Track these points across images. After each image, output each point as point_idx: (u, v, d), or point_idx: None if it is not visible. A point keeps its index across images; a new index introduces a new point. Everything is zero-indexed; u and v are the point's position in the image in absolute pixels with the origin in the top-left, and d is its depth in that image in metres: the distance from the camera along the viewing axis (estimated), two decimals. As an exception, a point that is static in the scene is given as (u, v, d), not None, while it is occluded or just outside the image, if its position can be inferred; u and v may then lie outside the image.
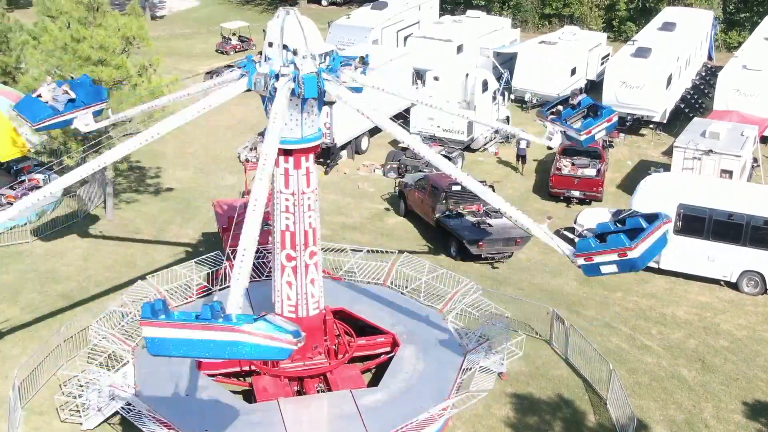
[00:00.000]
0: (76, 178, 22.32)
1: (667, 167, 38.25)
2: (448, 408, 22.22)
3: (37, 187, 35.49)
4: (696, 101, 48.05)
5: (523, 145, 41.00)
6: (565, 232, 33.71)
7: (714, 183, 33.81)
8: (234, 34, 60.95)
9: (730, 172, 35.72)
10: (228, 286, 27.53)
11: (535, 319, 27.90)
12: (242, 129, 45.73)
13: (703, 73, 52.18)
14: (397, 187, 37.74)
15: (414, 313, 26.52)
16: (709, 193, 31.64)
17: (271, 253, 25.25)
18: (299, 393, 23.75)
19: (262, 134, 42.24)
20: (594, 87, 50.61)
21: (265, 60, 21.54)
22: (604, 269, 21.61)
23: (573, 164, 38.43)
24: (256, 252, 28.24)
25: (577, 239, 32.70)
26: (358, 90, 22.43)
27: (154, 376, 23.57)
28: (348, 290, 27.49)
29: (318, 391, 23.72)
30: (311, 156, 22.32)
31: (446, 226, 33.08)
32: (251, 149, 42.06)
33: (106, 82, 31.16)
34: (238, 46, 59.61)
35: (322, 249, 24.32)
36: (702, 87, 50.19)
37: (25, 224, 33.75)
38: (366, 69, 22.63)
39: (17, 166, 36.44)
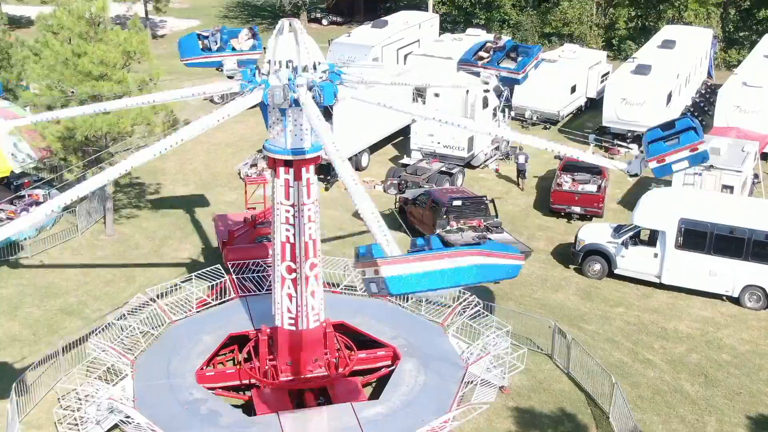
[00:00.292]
0: (104, 181, 21.66)
1: (667, 183, 38.15)
2: (449, 421, 22.06)
3: (38, 203, 35.60)
4: (696, 118, 47.99)
5: (522, 160, 41.07)
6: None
7: (715, 197, 33.78)
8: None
9: (731, 188, 35.68)
10: (228, 300, 27.55)
11: (537, 334, 27.76)
12: (243, 146, 45.71)
13: (703, 91, 52.28)
14: (397, 203, 37.68)
15: (415, 326, 26.41)
16: (710, 207, 31.58)
17: (271, 266, 25.20)
18: (299, 406, 23.58)
19: (261, 151, 42.25)
20: (594, 105, 50.76)
21: (273, 72, 21.37)
22: (675, 167, 22.39)
23: (574, 180, 38.39)
24: (257, 266, 28.41)
25: (575, 251, 32.76)
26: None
27: (153, 389, 23.44)
28: (348, 304, 27.37)
29: (318, 404, 23.56)
30: (312, 167, 22.25)
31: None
32: (251, 166, 42.10)
33: (106, 97, 31.16)
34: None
35: (322, 263, 24.23)
36: (702, 104, 50.26)
37: (25, 239, 33.66)
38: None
39: (18, 181, 36.40)
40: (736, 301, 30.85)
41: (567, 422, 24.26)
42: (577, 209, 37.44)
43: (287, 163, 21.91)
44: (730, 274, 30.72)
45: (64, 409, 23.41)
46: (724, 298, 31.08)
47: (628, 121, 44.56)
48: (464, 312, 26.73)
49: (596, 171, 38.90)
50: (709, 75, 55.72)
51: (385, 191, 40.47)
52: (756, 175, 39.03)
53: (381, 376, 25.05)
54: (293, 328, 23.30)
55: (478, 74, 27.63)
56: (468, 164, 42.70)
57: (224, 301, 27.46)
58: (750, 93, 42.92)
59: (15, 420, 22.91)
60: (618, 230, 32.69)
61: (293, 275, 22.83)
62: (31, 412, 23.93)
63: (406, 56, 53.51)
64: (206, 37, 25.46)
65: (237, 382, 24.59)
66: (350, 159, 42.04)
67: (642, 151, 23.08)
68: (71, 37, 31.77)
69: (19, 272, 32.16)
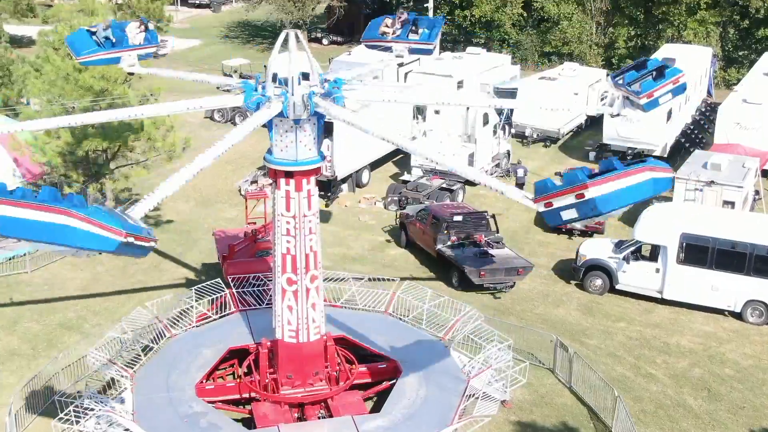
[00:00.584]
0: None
1: (668, 200, 38.12)
2: (450, 434, 21.91)
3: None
4: (696, 136, 48.13)
5: (521, 173, 41.28)
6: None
7: (717, 212, 33.74)
8: (235, 71, 61.19)
9: (732, 203, 35.64)
10: (228, 314, 27.43)
11: (538, 348, 27.62)
12: (243, 163, 45.69)
13: (703, 109, 52.35)
14: (398, 219, 37.63)
15: (416, 340, 26.24)
16: (712, 222, 31.52)
17: (271, 280, 25.09)
18: (300, 419, 23.41)
19: (262, 168, 42.28)
20: (594, 122, 50.82)
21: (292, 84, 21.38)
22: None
23: (574, 196, 38.23)
24: (257, 280, 28.30)
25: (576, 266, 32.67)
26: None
27: (153, 402, 23.27)
28: (349, 318, 27.24)
29: (319, 418, 23.40)
30: (312, 178, 22.20)
31: (448, 256, 32.90)
32: (252, 182, 42.10)
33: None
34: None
35: (323, 278, 24.12)
36: (702, 122, 50.33)
37: (24, 255, 33.56)
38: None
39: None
40: (738, 316, 30.71)
41: (569, 436, 24.13)
42: (578, 225, 37.30)
43: (288, 175, 21.85)
44: (732, 289, 30.60)
45: (63, 422, 23.21)
46: (726, 313, 30.95)
47: (628, 139, 44.59)
48: (465, 326, 26.57)
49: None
50: (709, 93, 55.82)
51: (385, 207, 40.45)
52: (757, 191, 39.03)
53: (382, 390, 24.88)
54: (294, 340, 23.16)
55: (389, 49, 27.57)
56: (468, 181, 42.64)
57: (224, 315, 27.32)
58: (750, 110, 42.98)
59: (13, 433, 22.77)
60: (619, 245, 32.61)
61: (294, 287, 22.70)
62: (29, 425, 23.77)
63: (406, 74, 53.59)
64: (95, 33, 24.37)
65: (237, 396, 24.41)
66: (350, 176, 42.11)
67: (621, 95, 22.44)
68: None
69: (19, 287, 32.04)
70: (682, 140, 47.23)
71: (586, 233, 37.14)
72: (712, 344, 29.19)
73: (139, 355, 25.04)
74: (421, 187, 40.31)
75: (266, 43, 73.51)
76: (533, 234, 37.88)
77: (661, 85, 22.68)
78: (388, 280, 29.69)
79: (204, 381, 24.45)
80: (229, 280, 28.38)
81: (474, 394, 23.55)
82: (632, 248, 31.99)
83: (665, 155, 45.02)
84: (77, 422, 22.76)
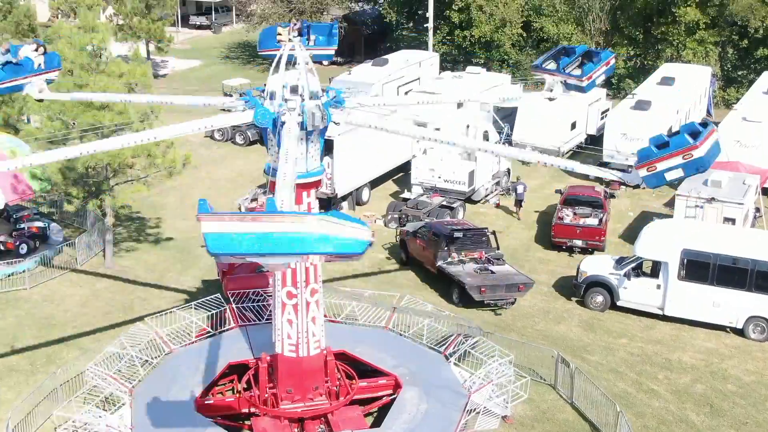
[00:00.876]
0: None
1: (668, 218, 38.07)
2: (451, 448, 21.75)
3: (37, 236, 35.52)
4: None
5: (520, 189, 41.38)
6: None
7: (718, 228, 33.68)
8: (236, 91, 61.34)
9: (733, 220, 35.57)
10: (228, 329, 27.31)
11: (540, 364, 27.47)
12: (243, 181, 45.69)
13: (703, 128, 52.32)
14: (398, 236, 37.56)
15: (416, 355, 26.16)
16: (713, 238, 31.43)
17: (271, 295, 25.01)
18: (300, 434, 23.29)
19: (262, 186, 42.25)
20: (594, 141, 50.79)
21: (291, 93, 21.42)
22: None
23: (575, 214, 38.29)
24: (257, 295, 28.21)
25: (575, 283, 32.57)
26: None
27: (152, 417, 23.11)
28: (349, 333, 27.13)
29: (319, 433, 23.27)
30: (312, 191, 22.17)
31: (448, 272, 32.81)
32: (252, 200, 42.03)
33: (108, 126, 31.21)
34: (240, 103, 59.79)
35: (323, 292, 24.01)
36: (702, 141, 50.26)
37: (24, 271, 33.50)
38: None
39: (17, 214, 36.29)
40: (740, 332, 30.57)
41: (571, 452, 23.94)
42: (579, 243, 37.28)
43: (288, 187, 21.77)
44: (734, 305, 30.48)
45: (61, 437, 23.12)
46: (728, 329, 30.81)
47: (629, 156, 44.49)
48: (466, 340, 26.45)
49: (597, 205, 38.86)
50: (708, 113, 55.83)
51: (385, 225, 40.37)
52: (757, 209, 38.97)
53: (382, 405, 24.73)
54: (294, 354, 23.04)
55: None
56: (468, 199, 42.64)
57: (224, 331, 27.20)
58: (750, 128, 43.01)
59: (11, 448, 22.61)
60: (620, 262, 32.52)
61: (294, 301, 22.61)
62: (27, 441, 23.65)
63: (406, 93, 53.69)
64: None
65: (236, 411, 24.24)
66: (350, 194, 42.08)
67: (559, 80, 22.91)
68: (73, 69, 31.85)
69: (18, 304, 31.93)
70: (682, 158, 47.14)
71: (587, 250, 37.06)
72: (714, 360, 29.05)
73: (138, 370, 24.90)
74: (421, 205, 40.26)
75: (266, 64, 73.58)
76: (533, 251, 37.80)
77: (598, 68, 24.89)
78: (389, 295, 29.59)
79: (203, 396, 24.29)
80: (229, 295, 28.28)
81: (475, 409, 23.44)
82: (633, 265, 31.90)
83: (665, 173, 44.96)
84: (75, 437, 22.70)
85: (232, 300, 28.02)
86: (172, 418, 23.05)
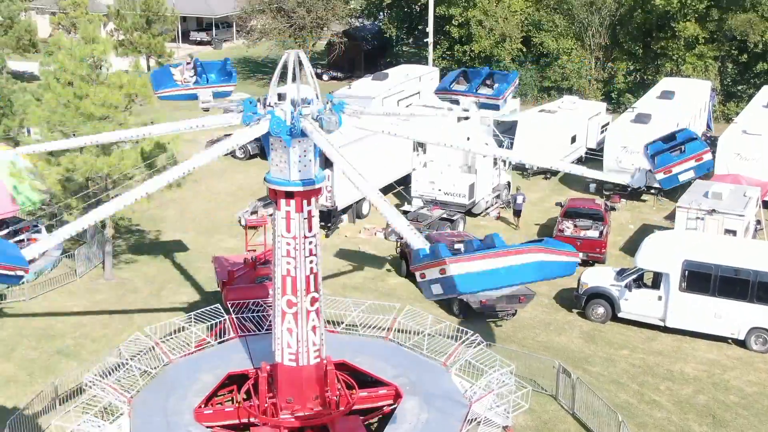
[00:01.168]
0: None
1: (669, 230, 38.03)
2: (452, 458, 21.56)
3: (36, 247, 35.31)
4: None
5: (519, 200, 41.42)
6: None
7: (719, 239, 33.57)
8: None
9: (734, 232, 35.48)
10: (227, 339, 27.14)
11: (541, 375, 27.37)
12: (242, 195, 45.63)
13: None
14: (398, 248, 37.47)
15: (417, 365, 25.97)
16: (714, 249, 31.34)
17: (270, 306, 24.87)
18: (300, 444, 23.10)
19: (262, 199, 42.21)
20: (594, 155, 50.82)
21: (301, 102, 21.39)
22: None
23: (576, 226, 38.22)
24: (256, 305, 28.08)
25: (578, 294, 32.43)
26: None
27: (150, 427, 22.93)
28: (349, 343, 26.98)
29: (319, 443, 23.08)
30: (313, 199, 22.08)
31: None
32: (252, 213, 41.95)
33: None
34: (240, 118, 59.81)
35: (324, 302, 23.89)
36: (702, 155, 50.22)
37: (23, 283, 33.33)
38: None
39: (16, 226, 36.23)
40: (741, 343, 30.44)
41: (573, 462, 23.77)
42: (580, 255, 37.07)
43: (288, 195, 21.73)
44: (736, 316, 30.36)
45: (59, 447, 22.94)
46: (730, 341, 30.68)
47: (629, 170, 44.43)
48: (466, 351, 26.30)
49: (598, 217, 38.80)
50: (708, 127, 55.83)
51: (386, 238, 40.30)
52: (758, 221, 38.91)
53: (383, 415, 24.56)
54: (293, 364, 22.89)
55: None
56: (469, 212, 42.57)
57: (223, 341, 27.04)
58: (750, 141, 43.01)
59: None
60: (621, 273, 32.41)
61: (294, 309, 22.47)
62: (25, 451, 23.49)
63: (406, 107, 53.66)
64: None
65: (236, 421, 24.06)
66: (350, 207, 42.02)
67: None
68: (73, 80, 31.85)
69: (16, 315, 31.80)
70: (683, 172, 47.11)
71: (588, 262, 36.95)
72: (716, 371, 28.90)
73: (137, 380, 24.75)
74: (421, 218, 40.19)
75: (266, 79, 73.73)
76: (534, 263, 37.62)
77: (509, 88, 26.21)
78: (389, 306, 29.45)
79: (202, 406, 24.11)
80: (229, 305, 28.15)
81: (476, 419, 23.24)
82: (634, 276, 31.80)
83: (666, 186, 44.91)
84: (73, 447, 22.51)
85: (231, 310, 27.87)
86: (171, 429, 22.85)
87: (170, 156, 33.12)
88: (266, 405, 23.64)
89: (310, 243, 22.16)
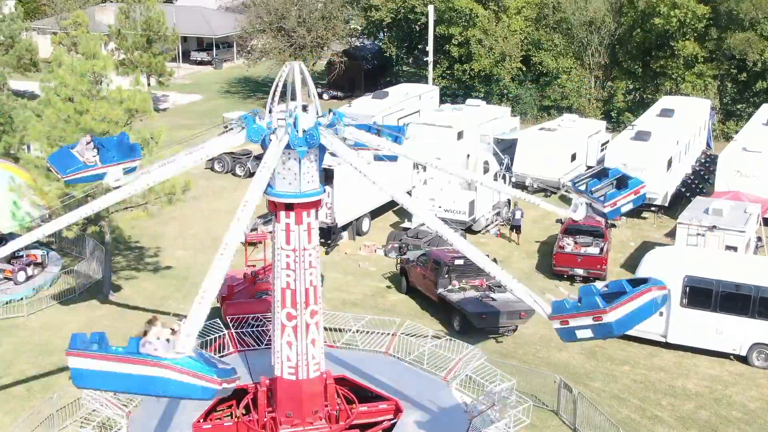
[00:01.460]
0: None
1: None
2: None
3: (35, 263, 35.35)
4: (696, 186, 48.08)
5: (518, 216, 41.51)
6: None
7: (720, 255, 33.49)
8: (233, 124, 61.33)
9: (735, 248, 35.38)
10: (227, 354, 27.02)
11: (542, 390, 27.21)
12: (243, 212, 45.48)
13: (703, 160, 52.42)
14: (398, 265, 37.38)
15: (417, 380, 25.87)
16: (715, 264, 31.25)
17: (270, 321, 24.77)
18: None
19: (262, 217, 42.14)
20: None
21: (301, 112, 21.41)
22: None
23: (576, 243, 38.15)
24: (256, 320, 27.97)
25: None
26: None
27: (149, 441, 22.82)
28: (350, 358, 26.86)
29: (318, 457, 22.91)
30: (313, 211, 22.04)
31: (449, 300, 32.60)
32: (252, 230, 41.85)
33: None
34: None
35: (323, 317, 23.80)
36: (702, 173, 50.32)
37: (22, 299, 33.29)
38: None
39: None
40: (743, 359, 30.28)
41: (575, 477, 23.59)
42: (580, 271, 37.11)
43: (288, 207, 21.70)
44: (737, 332, 30.22)
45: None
46: (732, 357, 30.52)
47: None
48: (467, 366, 26.18)
49: (598, 234, 38.74)
50: (708, 146, 55.87)
51: (386, 255, 40.21)
52: (759, 238, 38.84)
53: (383, 430, 24.40)
54: (293, 377, 22.76)
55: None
56: (469, 229, 42.51)
57: (223, 356, 26.91)
58: (750, 158, 42.99)
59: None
60: (622, 289, 32.23)
61: (293, 322, 22.40)
62: (22, 466, 23.31)
63: (406, 125, 53.68)
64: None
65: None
66: (350, 224, 41.96)
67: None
68: (73, 96, 31.86)
69: (15, 331, 31.71)
70: (683, 189, 47.17)
71: (589, 279, 36.83)
72: (718, 387, 28.75)
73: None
74: (421, 234, 40.12)
75: (266, 98, 73.85)
76: (535, 280, 37.51)
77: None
78: (389, 320, 29.38)
79: (201, 420, 23.97)
80: (228, 320, 28.05)
81: (477, 434, 23.09)
82: (635, 292, 31.62)
83: (666, 204, 44.97)
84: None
85: (231, 325, 27.76)
86: (170, 443, 22.75)
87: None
88: (265, 419, 23.50)
89: (310, 255, 22.10)
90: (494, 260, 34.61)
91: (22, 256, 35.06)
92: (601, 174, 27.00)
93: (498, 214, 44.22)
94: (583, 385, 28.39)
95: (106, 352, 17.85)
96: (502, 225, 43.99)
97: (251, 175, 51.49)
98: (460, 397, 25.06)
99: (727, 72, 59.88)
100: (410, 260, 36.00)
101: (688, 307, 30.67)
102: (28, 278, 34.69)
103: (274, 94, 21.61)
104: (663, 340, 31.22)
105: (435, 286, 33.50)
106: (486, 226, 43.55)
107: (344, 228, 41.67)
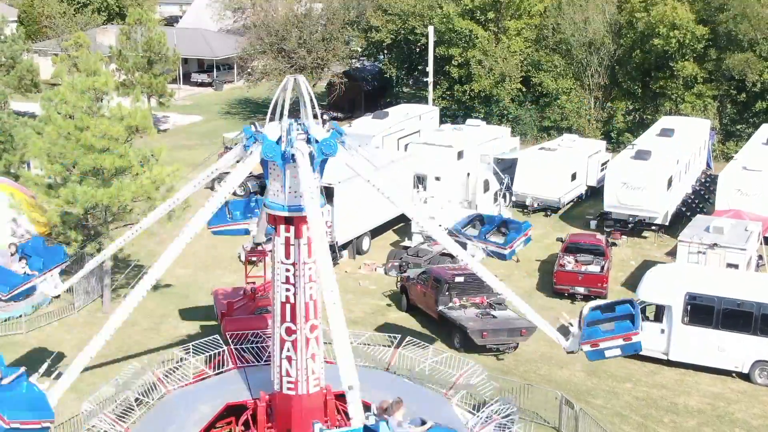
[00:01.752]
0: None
1: (671, 265, 37.88)
2: (454, 488, 21.19)
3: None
4: (697, 205, 48.04)
5: None
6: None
7: (722, 272, 33.40)
8: (236, 144, 61.36)
9: (736, 266, 35.31)
10: (226, 370, 26.84)
11: (543, 407, 27.08)
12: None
13: (703, 179, 52.41)
14: (399, 283, 37.27)
15: (417, 396, 25.62)
16: (717, 281, 31.16)
17: (269, 337, 24.63)
18: (298, 475, 22.70)
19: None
20: (595, 192, 50.83)
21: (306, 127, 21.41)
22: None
23: (577, 261, 38.06)
24: (255, 336, 27.81)
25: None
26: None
27: (147, 457, 22.63)
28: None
29: (318, 473, 22.65)
30: (314, 225, 21.93)
31: (449, 317, 32.48)
32: (252, 249, 41.74)
33: (107, 169, 31.18)
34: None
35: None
36: (702, 192, 50.30)
37: (20, 316, 33.16)
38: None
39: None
40: (746, 377, 30.13)
41: (577, 494, 23.38)
42: (581, 290, 36.98)
43: (287, 221, 21.63)
44: (739, 349, 30.08)
45: (53, 478, 22.55)
46: (734, 374, 30.36)
47: (629, 206, 44.44)
48: (468, 382, 26.03)
49: (599, 252, 38.65)
50: (708, 166, 55.87)
51: (386, 273, 40.13)
52: (760, 257, 38.75)
53: (383, 446, 24.16)
54: (293, 392, 22.60)
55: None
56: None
57: (222, 372, 26.75)
58: (750, 177, 42.98)
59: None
60: (623, 307, 32.12)
61: (293, 337, 22.24)
62: (19, 482, 23.01)
63: (406, 146, 53.83)
64: None
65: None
66: (350, 243, 41.90)
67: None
68: (74, 112, 31.91)
69: (14, 348, 31.52)
70: (683, 209, 47.14)
71: (589, 297, 36.70)
72: (720, 404, 28.59)
73: (134, 410, 24.44)
74: (421, 253, 40.05)
75: (266, 119, 73.96)
76: (536, 298, 37.42)
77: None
78: (389, 337, 29.25)
79: (200, 436, 23.79)
80: (228, 336, 27.91)
81: (478, 450, 22.91)
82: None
83: (666, 223, 44.92)
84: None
85: (230, 341, 27.61)
86: (168, 459, 22.55)
87: (170, 188, 33.07)
88: (265, 435, 23.33)
89: (310, 269, 21.99)
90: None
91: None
92: (479, 220, 33.11)
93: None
94: (584, 402, 28.22)
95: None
96: (503, 244, 43.85)
97: (252, 194, 51.43)
98: (461, 413, 24.87)
99: (727, 92, 60.02)
100: (411, 278, 35.91)
101: (689, 325, 30.56)
102: (27, 295, 34.51)
103: (275, 107, 21.55)
104: (665, 357, 31.07)
105: (435, 303, 33.39)
106: (486, 245, 43.42)
107: (344, 246, 41.60)
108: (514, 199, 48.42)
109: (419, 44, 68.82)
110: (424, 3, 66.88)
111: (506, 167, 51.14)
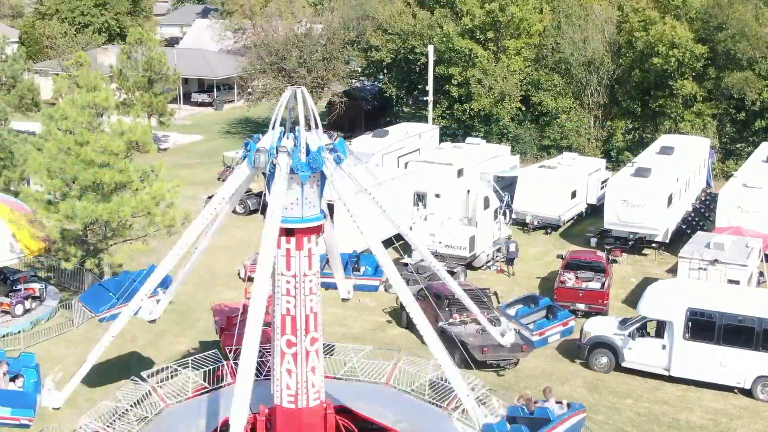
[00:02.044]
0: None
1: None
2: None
3: (34, 297, 35.13)
4: (697, 223, 47.99)
5: (512, 248, 41.42)
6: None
7: (723, 287, 33.32)
8: (236, 163, 61.40)
9: (737, 282, 35.22)
10: (225, 385, 26.74)
11: (544, 423, 26.80)
12: (242, 249, 45.31)
13: (703, 197, 52.39)
14: (399, 299, 37.10)
15: (418, 410, 25.57)
16: (718, 297, 31.07)
17: (269, 351, 24.52)
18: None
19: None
20: (595, 210, 50.80)
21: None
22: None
23: (577, 277, 37.97)
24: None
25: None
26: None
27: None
28: (350, 388, 26.56)
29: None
30: (313, 237, 21.93)
31: (450, 333, 32.33)
32: (252, 265, 41.72)
33: (107, 185, 31.16)
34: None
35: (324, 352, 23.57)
36: (702, 210, 50.27)
37: (19, 332, 33.04)
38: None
39: (14, 276, 35.98)
40: (748, 393, 29.98)
41: None
42: (582, 306, 36.84)
43: (288, 232, 21.59)
44: (741, 365, 29.95)
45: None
46: (736, 390, 30.21)
47: (629, 224, 44.39)
48: (469, 395, 25.83)
49: (600, 269, 38.58)
50: (708, 184, 55.86)
51: (386, 290, 40.00)
52: (761, 273, 38.67)
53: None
54: (293, 406, 22.47)
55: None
56: (469, 265, 42.33)
57: (221, 387, 26.62)
58: (750, 194, 42.96)
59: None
60: (624, 323, 32.10)
61: (293, 350, 22.16)
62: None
63: (406, 164, 53.86)
64: None
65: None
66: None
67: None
68: (74, 128, 31.95)
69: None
70: (683, 227, 47.09)
71: (590, 314, 36.59)
72: (723, 420, 28.44)
73: (132, 425, 24.29)
74: (422, 270, 39.92)
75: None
76: (536, 315, 37.32)
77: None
78: (389, 351, 29.14)
79: (199, 451, 23.65)
80: (227, 351, 27.77)
81: (479, 464, 22.74)
82: (637, 325, 31.46)
83: (666, 240, 44.87)
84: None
85: (230, 356, 27.46)
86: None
87: (170, 204, 33.06)
88: (265, 449, 23.17)
89: (311, 281, 21.95)
90: (495, 294, 34.81)
91: (20, 290, 34.87)
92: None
93: (499, 250, 44.05)
94: (586, 418, 28.01)
95: None
96: (503, 261, 43.81)
97: (251, 212, 51.50)
98: (461, 428, 24.71)
99: (726, 111, 60.12)
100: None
101: (691, 340, 30.46)
102: (26, 311, 34.47)
103: (276, 119, 21.60)
104: (666, 373, 30.93)
105: (435, 319, 33.21)
106: (486, 262, 43.37)
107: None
108: (514, 216, 48.35)
109: (419, 63, 69.03)
110: (423, 22, 67.09)
111: (506, 185, 51.14)
